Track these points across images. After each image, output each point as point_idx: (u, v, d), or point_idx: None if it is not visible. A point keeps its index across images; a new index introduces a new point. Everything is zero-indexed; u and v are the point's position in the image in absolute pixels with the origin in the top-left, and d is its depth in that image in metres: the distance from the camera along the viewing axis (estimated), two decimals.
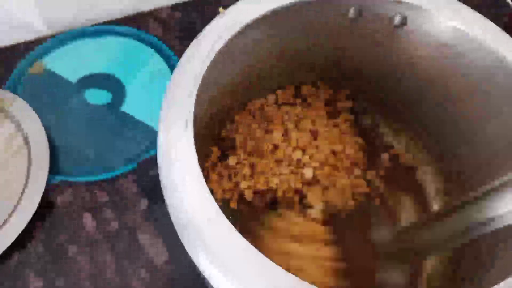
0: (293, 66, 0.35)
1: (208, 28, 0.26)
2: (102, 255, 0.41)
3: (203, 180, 0.21)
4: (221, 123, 0.37)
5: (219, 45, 0.25)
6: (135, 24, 0.53)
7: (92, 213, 0.43)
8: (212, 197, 0.20)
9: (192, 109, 0.22)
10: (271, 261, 0.19)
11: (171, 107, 0.23)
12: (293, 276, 0.19)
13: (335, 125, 0.37)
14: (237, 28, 0.25)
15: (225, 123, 0.37)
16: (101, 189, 0.44)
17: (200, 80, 0.23)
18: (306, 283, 0.18)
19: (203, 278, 0.33)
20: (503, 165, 0.28)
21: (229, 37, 0.25)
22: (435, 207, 0.36)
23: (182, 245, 0.33)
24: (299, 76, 0.37)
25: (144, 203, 0.44)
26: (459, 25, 0.28)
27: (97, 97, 0.48)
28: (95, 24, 0.52)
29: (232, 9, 0.27)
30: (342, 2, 0.30)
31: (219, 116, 0.35)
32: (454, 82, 0.30)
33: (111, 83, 0.49)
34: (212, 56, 0.24)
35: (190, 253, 0.20)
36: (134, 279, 0.40)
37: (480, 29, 0.28)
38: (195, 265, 0.31)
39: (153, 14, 0.55)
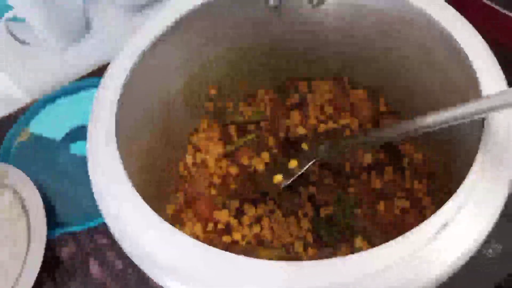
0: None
1: (124, 46, 0.28)
2: None
3: (130, 185, 0.21)
4: None
5: (134, 59, 0.26)
6: None
7: (97, 257, 0.44)
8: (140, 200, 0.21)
9: (113, 121, 0.23)
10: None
11: (95, 122, 0.24)
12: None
13: None
14: (151, 40, 0.27)
15: None
16: (101, 232, 0.45)
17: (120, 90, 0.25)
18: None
19: None
20: None
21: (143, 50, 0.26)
22: None
23: None
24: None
25: None
26: None
27: (82, 148, 0.50)
28: (70, 83, 0.54)
29: (153, 16, 0.28)
30: None
31: None
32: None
33: None
34: (127, 71, 0.25)
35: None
36: None
37: None
38: None
39: None
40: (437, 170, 0.33)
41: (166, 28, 0.27)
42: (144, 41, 0.28)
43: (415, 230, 0.20)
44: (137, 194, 0.22)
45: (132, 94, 0.26)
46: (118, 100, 0.25)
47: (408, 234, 0.19)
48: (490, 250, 0.36)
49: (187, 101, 0.35)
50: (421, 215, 0.32)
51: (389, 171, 0.35)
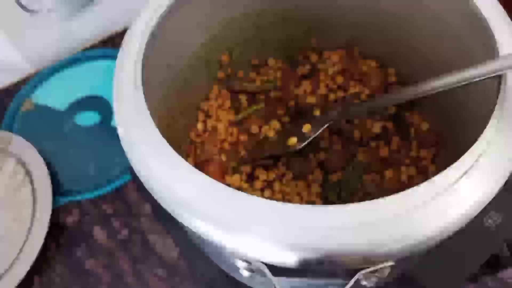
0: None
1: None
2: (118, 262, 0.43)
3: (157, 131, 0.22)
4: None
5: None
6: (111, 45, 0.56)
7: (102, 225, 0.45)
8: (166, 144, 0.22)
9: (139, 71, 0.24)
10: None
11: (121, 74, 0.24)
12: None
13: None
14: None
15: None
16: (106, 201, 0.46)
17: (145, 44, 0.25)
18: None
19: (216, 265, 0.34)
20: None
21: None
22: None
23: (191, 239, 0.35)
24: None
25: (148, 207, 0.45)
26: None
27: (87, 119, 0.51)
28: (74, 54, 0.54)
29: None
30: None
31: None
32: None
33: (97, 103, 0.51)
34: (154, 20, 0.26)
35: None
36: (151, 278, 0.41)
37: None
38: (207, 253, 0.33)
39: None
40: (444, 139, 0.34)
41: None
42: (162, 2, 0.28)
43: (424, 184, 0.20)
44: (162, 137, 0.22)
45: (153, 54, 0.26)
46: (143, 54, 0.25)
47: (413, 188, 0.20)
48: (490, 221, 0.37)
49: (200, 67, 0.36)
50: None
51: (396, 140, 0.35)
